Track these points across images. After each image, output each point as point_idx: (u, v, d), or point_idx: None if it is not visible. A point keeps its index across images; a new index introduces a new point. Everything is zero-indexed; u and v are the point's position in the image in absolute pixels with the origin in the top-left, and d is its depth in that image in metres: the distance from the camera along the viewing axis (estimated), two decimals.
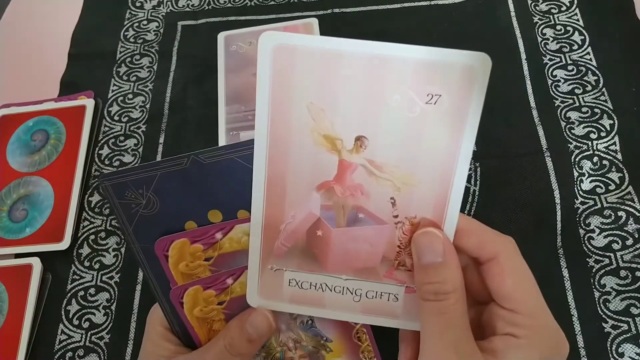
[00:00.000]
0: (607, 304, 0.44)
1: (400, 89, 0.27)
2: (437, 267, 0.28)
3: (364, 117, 0.28)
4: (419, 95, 0.27)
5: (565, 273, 0.46)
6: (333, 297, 0.31)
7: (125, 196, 0.33)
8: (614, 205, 0.48)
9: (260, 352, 0.36)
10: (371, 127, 0.28)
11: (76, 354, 0.47)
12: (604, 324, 0.44)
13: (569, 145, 0.51)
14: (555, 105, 0.54)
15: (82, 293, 0.50)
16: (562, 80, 0.55)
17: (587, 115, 0.53)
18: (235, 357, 0.33)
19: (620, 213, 0.48)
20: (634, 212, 0.47)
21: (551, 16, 0.60)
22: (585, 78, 0.55)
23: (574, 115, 0.53)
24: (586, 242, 0.47)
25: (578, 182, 0.49)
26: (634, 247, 0.46)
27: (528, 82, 0.56)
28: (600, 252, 0.46)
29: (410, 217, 0.30)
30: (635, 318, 0.44)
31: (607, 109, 0.53)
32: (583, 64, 0.56)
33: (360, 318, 0.32)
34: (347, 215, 0.30)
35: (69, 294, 0.50)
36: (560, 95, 0.55)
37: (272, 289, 0.32)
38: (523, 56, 0.57)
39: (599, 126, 0.52)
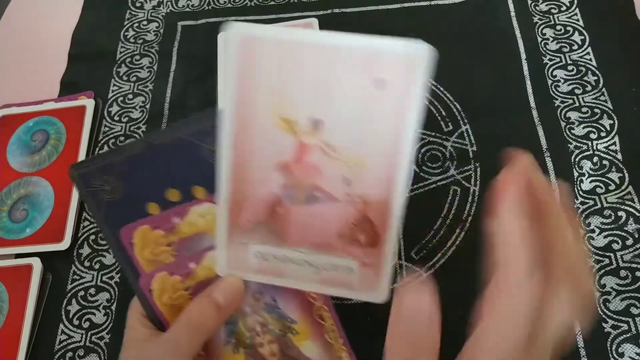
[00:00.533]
0: (607, 304, 0.44)
1: (351, 76, 0.29)
2: None
3: (320, 101, 0.30)
4: (367, 81, 0.29)
5: None
6: (294, 269, 0.33)
7: (92, 184, 0.34)
8: (614, 205, 0.48)
9: (231, 339, 0.36)
10: (326, 111, 0.30)
11: (76, 354, 0.47)
12: (604, 324, 0.44)
13: (569, 145, 0.52)
14: (555, 105, 0.54)
15: (82, 293, 0.50)
16: (562, 80, 0.55)
17: (587, 115, 0.53)
18: (202, 330, 0.33)
19: (620, 213, 0.48)
20: (634, 212, 0.47)
21: (551, 16, 0.60)
22: (585, 78, 0.55)
23: (574, 115, 0.53)
24: (586, 242, 0.47)
25: (578, 182, 0.49)
26: (634, 247, 0.46)
27: (528, 82, 0.56)
28: (600, 252, 0.46)
29: (363, 195, 0.31)
30: (635, 318, 0.44)
31: (607, 109, 0.53)
32: (583, 64, 0.56)
33: (319, 288, 0.34)
34: (304, 193, 0.32)
35: (69, 294, 0.50)
36: (560, 95, 0.55)
37: (239, 261, 0.34)
38: (523, 56, 0.57)
39: (599, 126, 0.52)
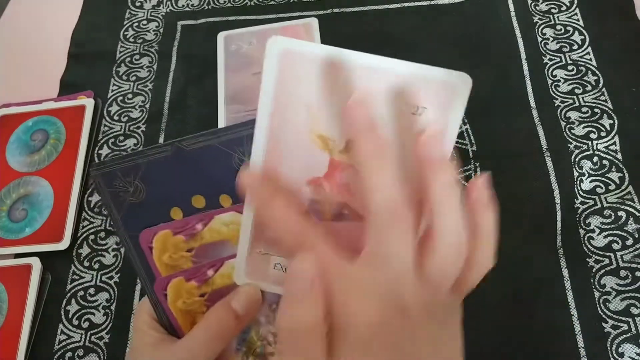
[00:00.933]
0: (607, 304, 0.44)
1: (390, 100, 0.29)
2: None
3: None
4: (406, 106, 0.29)
5: (565, 273, 0.46)
6: None
7: (114, 185, 0.34)
8: (614, 205, 0.48)
9: (242, 347, 0.36)
10: None
11: (76, 354, 0.47)
12: (604, 324, 0.44)
13: (569, 145, 0.51)
14: (555, 105, 0.54)
15: (81, 293, 0.50)
16: (562, 80, 0.55)
17: (587, 115, 0.53)
18: (220, 338, 0.33)
19: (620, 213, 0.48)
20: (634, 212, 0.47)
21: (551, 16, 0.60)
22: (585, 78, 0.55)
23: (574, 115, 0.53)
24: (586, 242, 0.47)
25: (578, 182, 0.49)
26: (634, 247, 0.46)
27: (528, 82, 0.56)
28: (600, 252, 0.46)
29: None
30: (635, 318, 0.44)
31: (607, 109, 0.53)
32: (583, 64, 0.56)
33: None
34: (332, 210, 0.32)
35: (69, 294, 0.50)
36: (560, 95, 0.55)
37: (258, 271, 0.33)
38: (523, 56, 0.57)
39: (599, 126, 0.52)
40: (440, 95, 0.29)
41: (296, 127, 0.30)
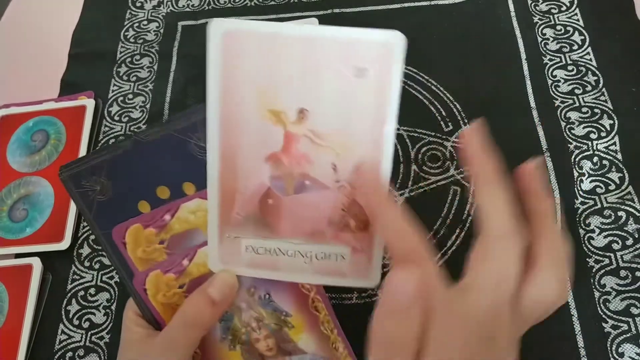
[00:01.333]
0: (607, 304, 0.44)
1: (332, 65, 0.30)
2: None
3: (304, 91, 0.31)
4: (348, 69, 0.30)
5: None
6: (287, 260, 0.34)
7: (82, 184, 0.34)
8: (614, 205, 0.48)
9: (227, 336, 0.36)
10: (311, 101, 0.31)
11: (76, 354, 0.47)
12: (604, 324, 0.44)
13: (569, 145, 0.52)
14: (555, 105, 0.54)
15: (82, 293, 0.50)
16: (562, 81, 0.55)
17: (587, 115, 0.53)
18: (198, 327, 0.33)
19: (620, 213, 0.48)
20: (634, 212, 0.47)
21: (551, 16, 0.60)
22: (585, 78, 0.55)
23: (574, 115, 0.53)
24: (586, 242, 0.47)
25: (578, 182, 0.49)
26: (634, 247, 0.46)
27: (528, 82, 0.56)
28: (600, 252, 0.46)
29: (350, 180, 0.32)
30: (635, 318, 0.44)
31: (607, 109, 0.53)
32: (583, 64, 0.56)
33: (312, 279, 0.34)
34: (294, 183, 0.32)
35: (69, 294, 0.50)
36: (560, 95, 0.55)
37: (231, 256, 0.34)
38: (523, 56, 0.57)
39: (599, 126, 0.52)
40: (378, 56, 0.30)
41: (247, 106, 0.31)
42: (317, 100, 0.31)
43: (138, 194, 0.35)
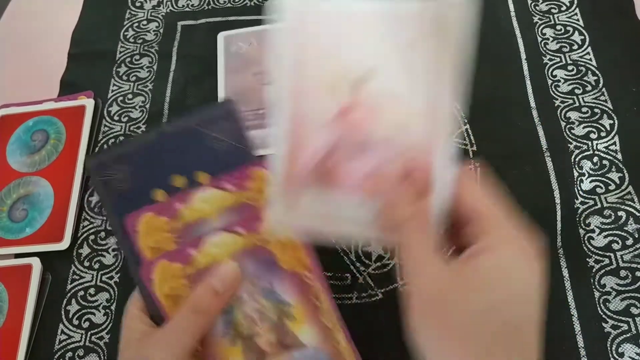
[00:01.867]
0: (607, 304, 0.44)
1: (389, 39, 0.33)
2: None
3: (364, 63, 0.33)
4: (404, 42, 0.33)
5: (565, 273, 0.46)
6: (344, 217, 0.35)
7: (105, 173, 0.36)
8: (614, 205, 0.48)
9: (229, 330, 0.36)
10: (370, 69, 0.33)
11: (76, 354, 0.47)
12: (604, 324, 0.44)
13: (569, 145, 0.52)
14: (555, 105, 0.54)
15: (82, 293, 0.50)
16: (562, 80, 0.55)
17: (587, 115, 0.53)
18: (202, 316, 0.34)
19: (620, 213, 0.48)
20: (634, 212, 0.47)
21: (551, 16, 0.60)
22: (585, 78, 0.55)
23: (574, 115, 0.53)
24: (586, 242, 0.47)
25: (578, 182, 0.49)
26: (634, 247, 0.46)
27: (528, 82, 0.56)
28: (600, 252, 0.46)
29: (407, 147, 0.34)
30: (635, 318, 0.44)
31: (607, 109, 0.53)
32: (583, 64, 0.56)
33: (368, 233, 0.35)
34: (353, 147, 0.35)
35: (69, 294, 0.50)
36: (560, 95, 0.55)
37: (290, 213, 0.35)
38: (523, 56, 0.57)
39: (599, 126, 0.52)
40: (430, 28, 0.33)
41: (314, 74, 0.34)
42: (375, 69, 0.33)
43: (154, 183, 0.36)
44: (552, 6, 0.60)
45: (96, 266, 0.51)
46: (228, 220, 0.36)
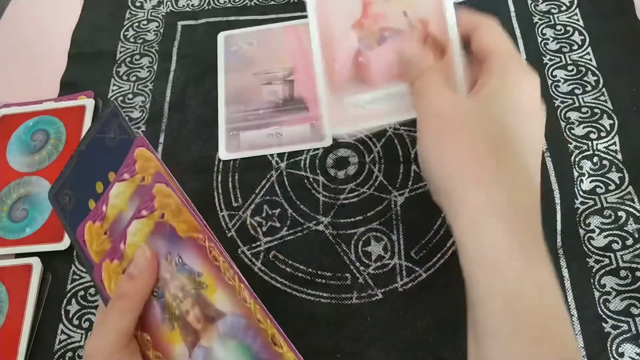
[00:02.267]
0: (607, 304, 0.44)
1: None
2: None
3: None
4: None
5: (565, 273, 0.46)
6: (385, 106, 0.39)
7: (60, 201, 0.39)
8: (614, 205, 0.48)
9: (165, 314, 0.37)
10: None
11: (76, 353, 0.47)
12: (604, 324, 0.44)
13: (569, 145, 0.52)
14: (555, 105, 0.54)
15: (82, 293, 0.50)
16: (562, 81, 0.55)
17: (587, 115, 0.53)
18: (125, 301, 0.35)
19: (620, 213, 0.48)
20: (634, 212, 0.48)
21: (551, 16, 0.60)
22: (585, 78, 0.55)
23: (573, 115, 0.53)
24: (586, 242, 0.47)
25: (578, 182, 0.49)
26: (634, 247, 0.46)
27: None
28: (600, 252, 0.46)
29: (421, 17, 0.38)
30: (636, 318, 0.44)
31: (607, 109, 0.53)
32: (583, 64, 0.56)
33: (409, 114, 0.39)
34: (376, 38, 0.39)
35: (69, 294, 0.50)
36: (560, 95, 0.55)
37: (340, 115, 0.40)
38: (523, 56, 0.57)
39: (599, 126, 0.52)
40: None
41: None
42: None
43: (87, 195, 0.39)
44: (552, 6, 0.60)
45: None
46: (134, 207, 0.38)
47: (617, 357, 0.42)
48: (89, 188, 0.40)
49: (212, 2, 0.66)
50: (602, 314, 0.44)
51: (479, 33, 0.37)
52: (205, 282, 0.36)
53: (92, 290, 0.50)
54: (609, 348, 0.43)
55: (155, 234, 0.37)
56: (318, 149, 0.54)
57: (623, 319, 0.44)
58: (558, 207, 0.48)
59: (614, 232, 0.47)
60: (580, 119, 0.53)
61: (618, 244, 0.46)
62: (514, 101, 0.34)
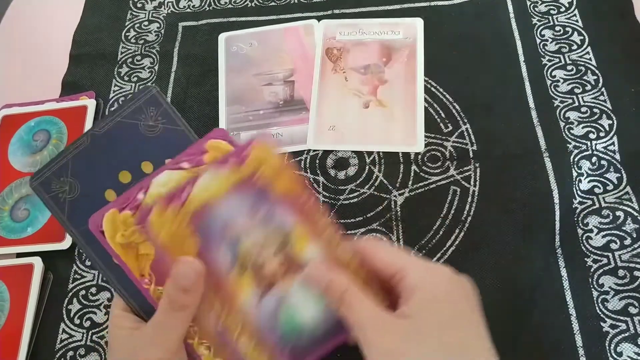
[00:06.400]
0: (605, 303, 0.45)
1: None
2: None
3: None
4: None
5: (564, 272, 0.46)
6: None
7: (52, 189, 0.36)
8: (612, 205, 0.48)
9: (234, 263, 0.36)
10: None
11: (77, 353, 0.47)
12: (602, 324, 0.44)
13: (568, 145, 0.52)
14: (555, 105, 0.54)
15: (83, 292, 0.50)
16: (562, 80, 0.55)
17: (586, 115, 0.53)
18: (181, 313, 0.35)
19: (618, 213, 0.48)
20: (632, 212, 0.48)
21: (550, 17, 0.60)
22: (585, 78, 0.55)
23: (573, 115, 0.53)
24: (584, 241, 0.47)
25: (577, 182, 0.50)
26: (632, 247, 0.46)
27: (527, 83, 0.56)
28: (598, 252, 0.46)
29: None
30: (634, 317, 0.44)
31: (606, 109, 0.53)
32: (582, 63, 0.56)
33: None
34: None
35: (70, 293, 0.50)
36: (560, 95, 0.55)
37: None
38: (522, 57, 0.57)
39: (598, 126, 0.52)
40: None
41: None
42: None
43: (103, 185, 0.37)
44: (551, 7, 0.60)
45: None
46: (235, 201, 0.36)
47: (615, 356, 0.43)
48: (106, 178, 0.37)
49: (213, 3, 0.67)
50: (600, 313, 0.44)
51: (376, 254, 0.36)
52: (297, 235, 0.36)
53: (93, 290, 0.50)
54: (607, 347, 0.43)
55: (239, 189, 0.35)
56: (318, 149, 0.54)
57: (621, 318, 0.44)
58: (556, 207, 0.48)
59: (612, 232, 0.47)
60: (579, 119, 0.53)
61: (616, 243, 0.47)
62: (445, 302, 0.33)
